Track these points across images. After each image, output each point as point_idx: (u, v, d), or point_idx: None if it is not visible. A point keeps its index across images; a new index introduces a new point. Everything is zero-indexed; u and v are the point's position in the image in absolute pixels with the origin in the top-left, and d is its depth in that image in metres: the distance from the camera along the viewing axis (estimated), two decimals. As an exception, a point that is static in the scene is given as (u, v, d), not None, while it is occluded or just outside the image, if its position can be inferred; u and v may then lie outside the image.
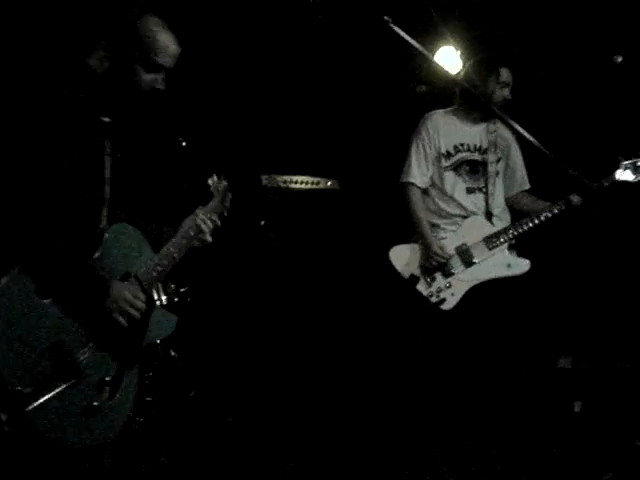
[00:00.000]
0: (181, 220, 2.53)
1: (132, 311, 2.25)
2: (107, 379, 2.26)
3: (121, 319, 2.24)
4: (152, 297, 2.39)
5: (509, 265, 3.80)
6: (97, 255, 2.27)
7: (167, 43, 2.28)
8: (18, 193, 2.11)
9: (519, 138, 2.10)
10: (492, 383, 3.81)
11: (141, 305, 2.28)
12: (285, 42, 4.65)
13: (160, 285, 3.96)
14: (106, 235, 2.30)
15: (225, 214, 2.65)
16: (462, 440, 3.75)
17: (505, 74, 3.84)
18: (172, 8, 4.46)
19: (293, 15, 3.87)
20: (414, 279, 3.78)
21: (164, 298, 3.92)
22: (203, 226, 2.49)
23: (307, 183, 4.58)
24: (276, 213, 4.55)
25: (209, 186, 2.61)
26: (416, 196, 3.87)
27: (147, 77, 2.27)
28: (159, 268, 2.39)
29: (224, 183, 2.65)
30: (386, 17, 2.07)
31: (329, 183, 4.64)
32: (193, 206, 2.57)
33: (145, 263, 2.37)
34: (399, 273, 3.82)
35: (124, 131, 2.41)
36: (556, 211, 3.74)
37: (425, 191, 3.92)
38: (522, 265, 3.81)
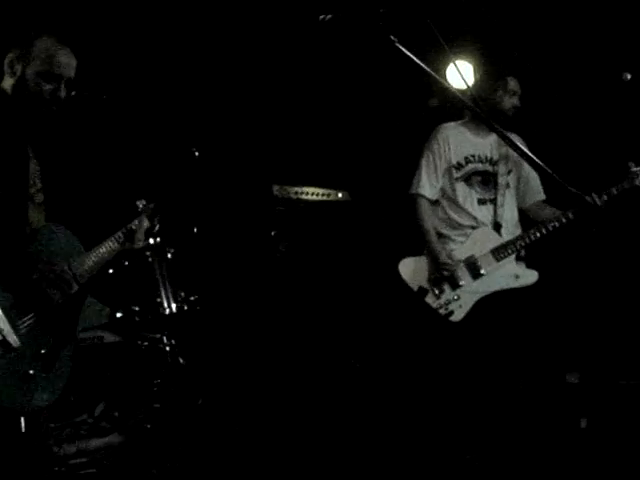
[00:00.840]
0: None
1: (60, 283, 2.56)
2: (42, 352, 2.52)
3: (51, 291, 2.55)
4: (85, 287, 2.69)
5: (517, 276, 3.80)
6: (28, 251, 2.56)
7: (60, 56, 2.61)
8: None
9: (521, 153, 2.11)
10: (498, 396, 3.80)
11: (69, 277, 2.59)
12: (297, 56, 4.69)
13: (170, 293, 4.01)
14: (37, 233, 2.62)
15: (154, 231, 3.07)
16: (466, 453, 3.75)
17: (512, 83, 3.88)
18: (191, 23, 4.55)
19: (304, 31, 3.93)
20: (423, 291, 3.79)
21: (174, 306, 3.96)
22: (137, 233, 2.89)
23: (318, 194, 4.61)
24: (286, 224, 4.57)
25: (137, 207, 3.04)
26: (425, 207, 3.89)
27: (47, 87, 2.60)
28: (89, 262, 2.72)
29: (151, 206, 3.03)
30: (392, 37, 2.09)
31: (340, 195, 4.66)
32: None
33: (76, 258, 2.69)
34: (408, 285, 3.83)
35: (46, 138, 2.77)
36: (564, 220, 3.74)
37: (436, 202, 3.94)
38: (530, 276, 3.81)
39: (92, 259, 2.74)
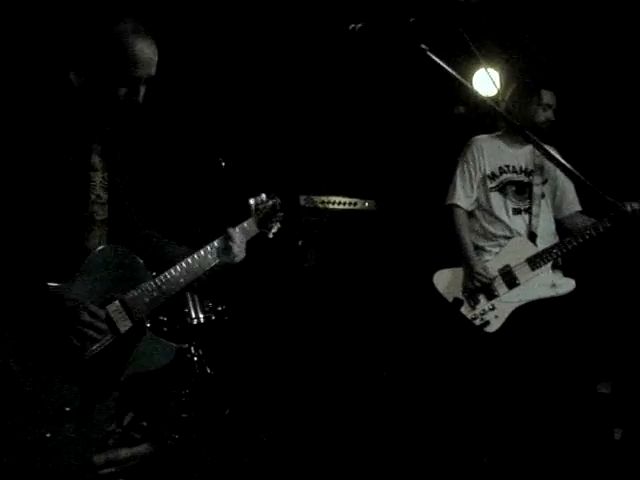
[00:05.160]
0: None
1: (90, 333, 2.05)
2: (67, 409, 2.04)
3: (75, 342, 2.05)
4: (142, 323, 2.19)
5: (553, 285, 3.78)
6: (76, 275, 2.11)
7: (140, 54, 2.12)
8: None
9: (556, 163, 2.09)
10: (531, 406, 3.76)
11: (102, 328, 2.07)
12: (324, 65, 4.70)
13: (198, 303, 4.01)
14: (89, 256, 2.14)
15: (269, 235, 2.57)
16: (498, 463, 3.71)
17: (547, 96, 3.87)
18: (217, 33, 4.57)
19: (333, 42, 3.94)
20: (458, 302, 3.78)
21: (201, 316, 3.96)
22: (222, 249, 2.38)
23: (345, 203, 4.60)
24: (314, 233, 4.57)
25: (249, 205, 2.52)
26: (461, 218, 3.89)
27: (122, 91, 2.13)
28: (155, 293, 2.21)
29: (270, 203, 2.55)
30: (423, 45, 2.08)
31: (366, 204, 4.65)
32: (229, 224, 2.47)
33: (137, 287, 2.18)
34: (442, 296, 3.82)
35: (115, 147, 2.32)
36: (600, 229, 3.71)
37: (471, 213, 3.94)
38: (566, 285, 3.79)
39: (162, 288, 2.20)
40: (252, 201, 2.52)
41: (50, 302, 2.04)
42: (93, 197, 2.22)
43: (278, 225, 2.59)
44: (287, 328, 4.63)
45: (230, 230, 2.42)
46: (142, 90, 2.17)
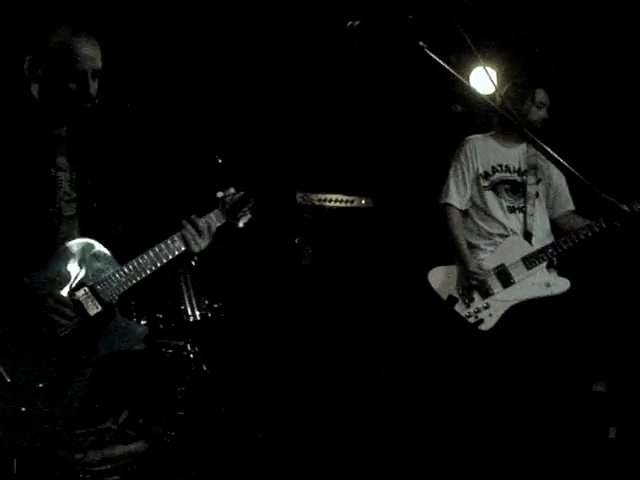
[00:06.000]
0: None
1: (56, 318, 2.29)
2: (40, 385, 2.23)
3: (44, 327, 2.28)
4: (111, 307, 2.42)
5: (548, 284, 3.79)
6: (46, 267, 2.34)
7: (80, 49, 2.35)
8: None
9: (554, 161, 2.09)
10: (526, 405, 3.77)
11: (67, 313, 2.30)
12: (321, 62, 4.70)
13: (194, 300, 4.01)
14: (57, 250, 2.37)
15: (240, 225, 2.68)
16: (493, 462, 3.72)
17: (541, 95, 3.89)
18: (213, 32, 4.56)
19: (331, 39, 3.94)
20: (452, 300, 3.79)
21: (198, 314, 3.96)
22: (188, 236, 2.53)
23: (341, 201, 4.59)
24: (310, 231, 4.57)
25: (217, 198, 2.66)
26: (455, 217, 3.91)
27: (72, 86, 2.35)
28: (123, 280, 2.43)
29: (237, 196, 2.66)
30: (421, 43, 2.08)
31: (363, 201, 4.65)
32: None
33: (104, 275, 2.41)
34: (437, 294, 3.83)
35: (84, 147, 2.51)
36: (596, 229, 3.72)
37: (466, 212, 3.96)
38: (561, 284, 3.80)
39: (128, 274, 2.43)
40: (220, 194, 2.67)
41: (21, 290, 2.28)
42: (60, 194, 2.44)
43: (249, 216, 2.70)
44: (283, 326, 4.63)
45: (193, 219, 2.58)
46: (92, 84, 2.38)
